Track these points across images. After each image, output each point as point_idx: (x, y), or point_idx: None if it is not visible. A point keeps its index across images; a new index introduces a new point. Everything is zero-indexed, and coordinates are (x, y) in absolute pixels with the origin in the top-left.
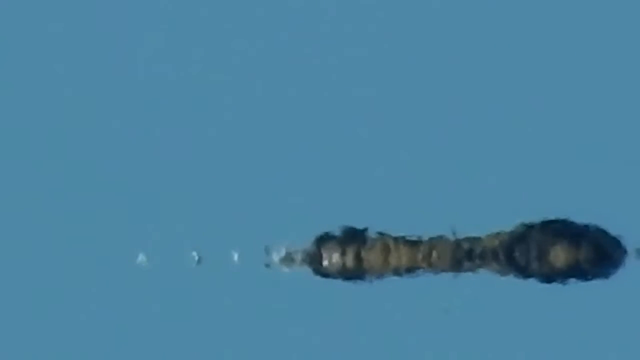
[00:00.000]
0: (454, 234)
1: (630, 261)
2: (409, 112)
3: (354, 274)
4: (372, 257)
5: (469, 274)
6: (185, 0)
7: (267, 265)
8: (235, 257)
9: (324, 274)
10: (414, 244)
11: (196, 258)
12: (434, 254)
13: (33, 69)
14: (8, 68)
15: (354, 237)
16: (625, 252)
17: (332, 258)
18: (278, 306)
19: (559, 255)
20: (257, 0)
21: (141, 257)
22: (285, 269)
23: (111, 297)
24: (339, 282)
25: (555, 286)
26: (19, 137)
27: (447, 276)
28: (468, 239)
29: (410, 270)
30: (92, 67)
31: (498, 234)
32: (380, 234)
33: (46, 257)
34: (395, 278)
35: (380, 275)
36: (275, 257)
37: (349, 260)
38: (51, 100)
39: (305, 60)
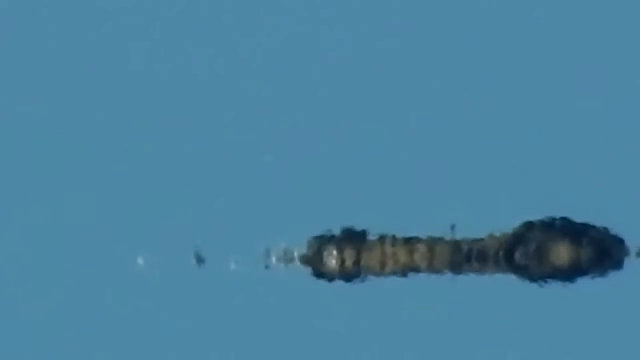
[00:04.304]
0: (452, 233)
1: (630, 261)
2: (409, 113)
3: (353, 274)
4: (371, 258)
5: (469, 274)
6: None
7: (267, 267)
8: (232, 264)
9: (324, 274)
10: (413, 244)
11: (194, 260)
12: (433, 254)
13: (33, 69)
14: (8, 68)
15: (353, 238)
16: (626, 251)
17: (331, 259)
18: (278, 308)
19: (561, 254)
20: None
21: (140, 260)
22: (284, 269)
23: (113, 298)
24: (338, 283)
25: (555, 286)
26: (19, 138)
27: (446, 277)
28: (467, 240)
29: (409, 271)
30: (94, 67)
31: (498, 234)
32: (380, 235)
33: (46, 258)
34: (394, 279)
35: (379, 275)
36: (275, 258)
37: (348, 261)
38: (52, 101)
39: (304, 61)
